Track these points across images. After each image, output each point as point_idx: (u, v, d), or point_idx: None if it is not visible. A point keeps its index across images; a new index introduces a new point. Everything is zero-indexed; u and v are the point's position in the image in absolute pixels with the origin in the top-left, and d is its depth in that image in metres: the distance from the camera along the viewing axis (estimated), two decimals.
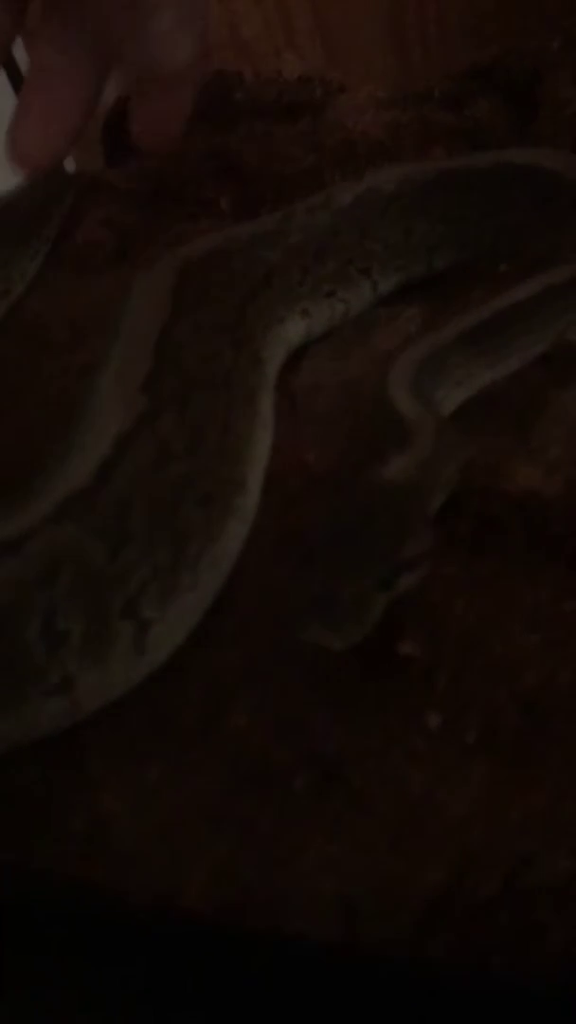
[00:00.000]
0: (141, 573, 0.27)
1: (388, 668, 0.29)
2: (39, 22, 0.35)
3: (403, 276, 0.45)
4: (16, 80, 0.68)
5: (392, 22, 0.64)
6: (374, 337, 0.44)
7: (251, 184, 0.55)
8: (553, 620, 0.29)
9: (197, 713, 0.28)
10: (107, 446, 0.28)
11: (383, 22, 0.63)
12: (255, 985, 0.23)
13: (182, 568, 0.29)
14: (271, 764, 0.27)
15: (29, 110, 0.35)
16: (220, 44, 0.67)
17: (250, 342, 0.38)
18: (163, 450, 0.29)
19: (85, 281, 0.52)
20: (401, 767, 0.27)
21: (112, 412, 0.29)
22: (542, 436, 0.34)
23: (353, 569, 0.27)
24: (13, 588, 0.25)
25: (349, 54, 0.64)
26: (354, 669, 0.28)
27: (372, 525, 0.28)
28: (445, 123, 0.54)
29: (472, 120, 0.54)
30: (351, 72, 0.63)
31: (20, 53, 0.46)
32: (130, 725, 0.28)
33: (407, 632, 0.29)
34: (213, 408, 0.32)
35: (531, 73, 0.55)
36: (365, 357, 0.42)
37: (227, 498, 0.31)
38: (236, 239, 0.42)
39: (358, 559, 0.27)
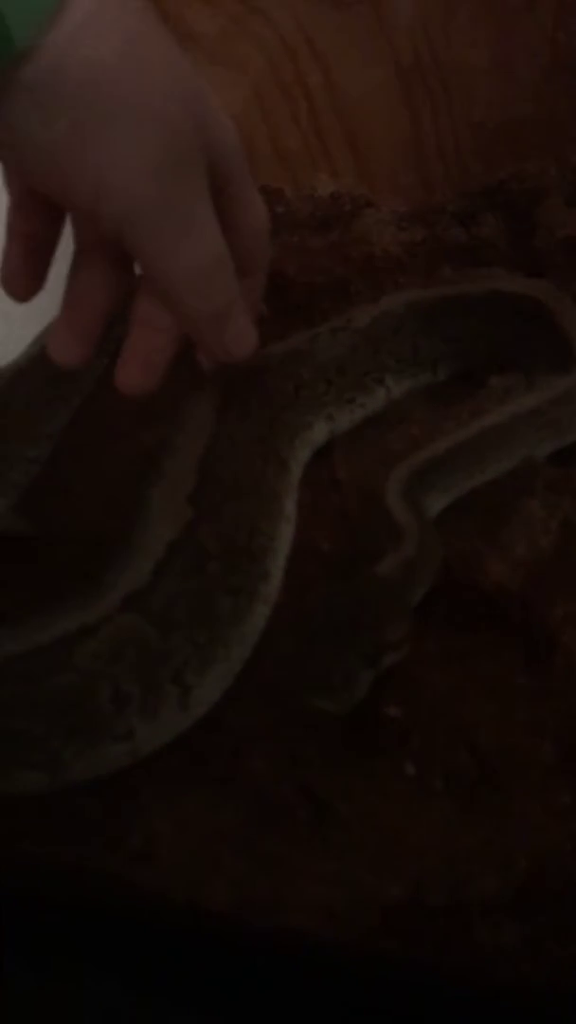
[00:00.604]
0: (185, 650, 0.36)
1: (375, 726, 0.36)
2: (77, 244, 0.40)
3: (412, 384, 0.54)
4: None
5: (414, 141, 0.72)
6: (386, 438, 0.52)
7: (287, 292, 0.64)
8: (507, 692, 0.37)
9: (225, 758, 0.36)
10: (160, 550, 0.36)
11: (406, 140, 0.72)
12: (258, 970, 0.31)
13: (217, 644, 0.37)
14: (280, 799, 0.35)
15: (68, 326, 0.40)
16: (263, 155, 0.77)
17: (278, 451, 0.46)
18: (202, 552, 0.38)
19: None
20: (380, 804, 0.34)
21: (164, 520, 0.38)
22: (510, 537, 0.42)
23: (346, 649, 0.34)
24: (90, 662, 0.34)
25: (377, 168, 0.73)
26: (348, 726, 0.36)
27: (363, 613, 0.36)
28: (454, 240, 0.63)
29: (478, 238, 0.62)
30: (378, 185, 0.72)
31: None
32: (175, 766, 0.36)
33: (391, 697, 0.37)
34: (243, 513, 0.41)
35: (531, 195, 0.63)
36: (376, 457, 0.50)
37: (253, 586, 0.40)
38: (271, 357, 0.51)
39: (350, 641, 0.35)
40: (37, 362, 0.56)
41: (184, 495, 0.39)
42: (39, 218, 0.40)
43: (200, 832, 0.34)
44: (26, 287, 0.41)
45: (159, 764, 0.36)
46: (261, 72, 0.72)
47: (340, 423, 0.52)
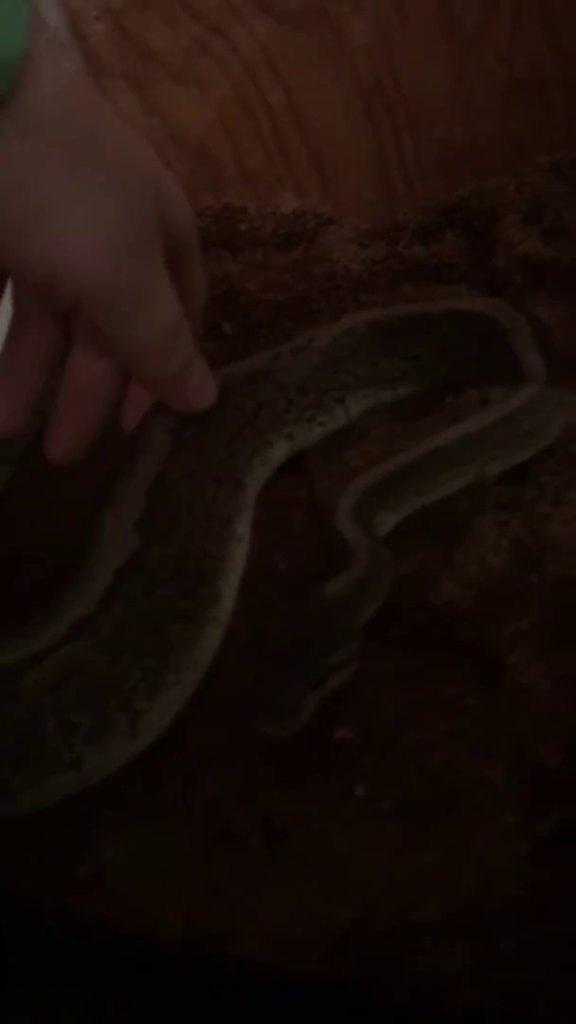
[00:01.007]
0: (134, 676, 0.36)
1: (327, 749, 0.37)
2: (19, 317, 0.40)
3: (372, 402, 0.54)
4: None
5: (376, 159, 0.73)
6: (344, 455, 0.52)
7: (251, 310, 0.64)
8: (459, 712, 0.37)
9: (178, 784, 0.36)
10: (108, 577, 0.36)
11: (368, 158, 0.73)
12: (211, 998, 0.31)
13: (166, 669, 0.37)
14: (233, 826, 0.35)
15: (6, 393, 0.41)
16: (228, 174, 0.77)
17: (233, 472, 0.46)
18: (150, 578, 0.38)
19: None
20: (332, 829, 0.35)
21: (112, 546, 0.38)
22: (463, 556, 0.42)
23: (292, 672, 0.35)
24: (36, 691, 0.34)
25: (340, 186, 0.74)
26: (300, 749, 0.36)
27: (309, 635, 0.36)
28: (415, 258, 0.63)
29: (439, 256, 0.63)
30: (341, 202, 0.72)
31: None
32: (127, 793, 0.36)
33: (343, 719, 0.37)
34: (192, 537, 0.41)
35: (489, 212, 0.64)
36: (336, 474, 0.51)
37: (204, 610, 0.40)
38: (232, 377, 0.51)
39: (296, 664, 0.35)
40: None
41: (132, 521, 0.39)
42: None
43: (152, 860, 0.34)
44: None
45: (111, 791, 0.36)
46: (224, 92, 0.72)
47: (299, 441, 0.52)
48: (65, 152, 0.34)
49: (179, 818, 0.35)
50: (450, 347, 0.53)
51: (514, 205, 0.63)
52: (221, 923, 0.32)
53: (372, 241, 0.66)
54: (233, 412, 0.49)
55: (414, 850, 0.33)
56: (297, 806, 0.35)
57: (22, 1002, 0.33)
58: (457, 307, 0.53)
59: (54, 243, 0.35)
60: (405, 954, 0.30)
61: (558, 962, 0.29)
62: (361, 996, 0.29)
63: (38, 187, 0.34)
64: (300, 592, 0.44)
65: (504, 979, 0.29)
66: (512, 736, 0.35)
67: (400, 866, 0.32)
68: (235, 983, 0.31)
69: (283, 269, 0.67)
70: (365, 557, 0.40)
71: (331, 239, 0.67)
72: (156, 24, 0.70)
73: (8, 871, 0.35)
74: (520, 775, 0.34)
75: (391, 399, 0.55)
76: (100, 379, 0.41)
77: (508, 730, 0.36)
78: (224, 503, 0.44)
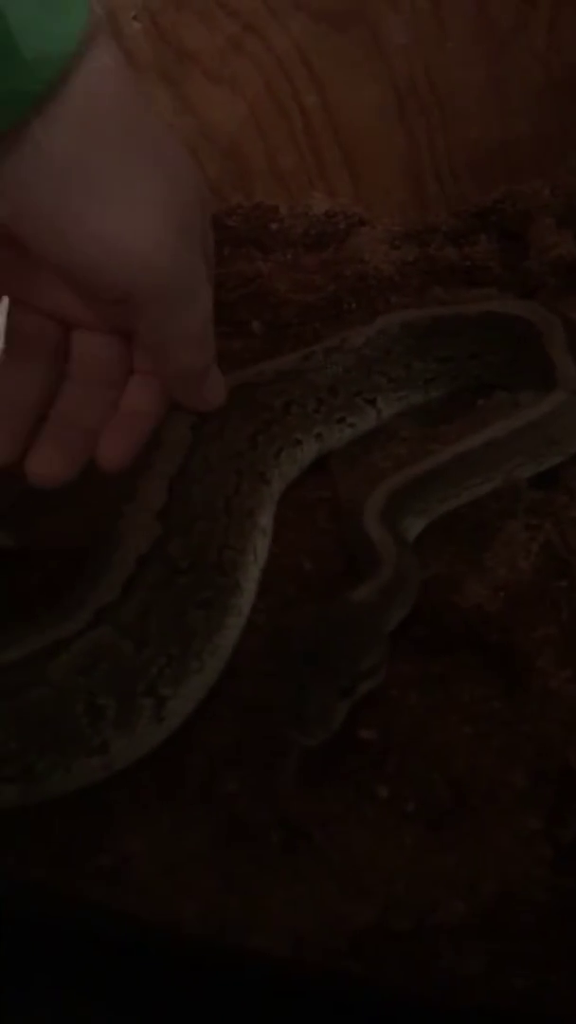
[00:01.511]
0: (158, 662, 0.36)
1: (350, 749, 0.36)
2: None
3: (403, 404, 0.54)
4: None
5: (409, 159, 0.72)
6: (372, 457, 0.52)
7: (280, 309, 0.64)
8: (483, 715, 0.37)
9: (200, 778, 0.36)
10: (131, 565, 0.37)
11: (401, 159, 0.72)
12: (226, 991, 0.31)
13: (190, 656, 0.37)
14: (254, 822, 0.35)
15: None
16: (259, 172, 0.77)
17: (255, 465, 0.47)
18: (172, 567, 0.38)
19: None
20: (353, 829, 0.34)
21: (134, 536, 0.38)
22: (492, 559, 0.42)
23: (321, 680, 0.34)
24: (64, 675, 0.34)
25: (372, 187, 0.74)
26: (323, 750, 0.36)
27: (338, 641, 0.36)
28: (447, 260, 0.63)
29: (471, 258, 0.62)
30: (372, 203, 0.72)
31: None
32: (149, 785, 0.36)
33: (367, 720, 0.37)
34: (213, 528, 0.41)
35: (523, 216, 0.64)
36: (363, 476, 0.51)
37: (225, 599, 0.40)
38: (263, 374, 0.51)
39: (325, 671, 0.35)
40: None
41: (154, 512, 0.40)
42: None
43: (172, 852, 0.34)
44: None
45: (133, 782, 0.36)
46: (258, 91, 0.72)
47: (329, 442, 0.52)
48: (117, 139, 0.34)
49: (199, 813, 0.35)
50: (484, 349, 0.52)
51: (548, 208, 0.63)
52: (239, 917, 0.32)
53: (404, 242, 0.66)
54: (260, 409, 0.49)
55: (435, 852, 0.33)
56: (318, 805, 0.35)
57: (36, 992, 0.33)
58: (491, 309, 0.53)
59: (113, 226, 0.34)
60: (424, 955, 0.30)
61: None
62: (378, 996, 0.29)
63: (96, 171, 0.34)
64: (323, 592, 0.44)
65: (523, 983, 0.29)
66: (537, 740, 0.35)
67: (421, 868, 0.32)
68: (251, 978, 0.31)
69: (313, 269, 0.67)
70: (393, 562, 0.40)
71: (362, 240, 0.67)
72: (192, 22, 0.70)
73: (26, 859, 0.35)
74: (544, 780, 0.34)
75: (422, 401, 0.54)
76: (98, 405, 0.41)
77: (533, 734, 0.36)
78: (246, 496, 0.44)
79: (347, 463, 0.52)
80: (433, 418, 0.53)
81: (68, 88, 0.33)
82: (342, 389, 0.52)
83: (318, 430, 0.52)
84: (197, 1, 0.70)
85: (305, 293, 0.64)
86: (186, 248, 0.37)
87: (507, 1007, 0.28)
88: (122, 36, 0.71)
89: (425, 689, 0.38)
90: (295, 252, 0.69)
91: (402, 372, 0.53)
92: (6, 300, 0.41)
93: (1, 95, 0.31)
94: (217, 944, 0.32)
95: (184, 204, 0.37)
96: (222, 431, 0.46)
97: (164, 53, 0.72)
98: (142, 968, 0.33)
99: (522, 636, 0.39)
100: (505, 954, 0.29)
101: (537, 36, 0.65)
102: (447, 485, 0.44)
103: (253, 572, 0.43)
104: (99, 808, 0.36)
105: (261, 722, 0.37)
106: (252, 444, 0.48)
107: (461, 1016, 0.28)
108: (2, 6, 0.30)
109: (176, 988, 0.32)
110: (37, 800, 0.35)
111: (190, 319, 0.38)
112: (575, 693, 0.36)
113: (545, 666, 0.37)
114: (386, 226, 0.68)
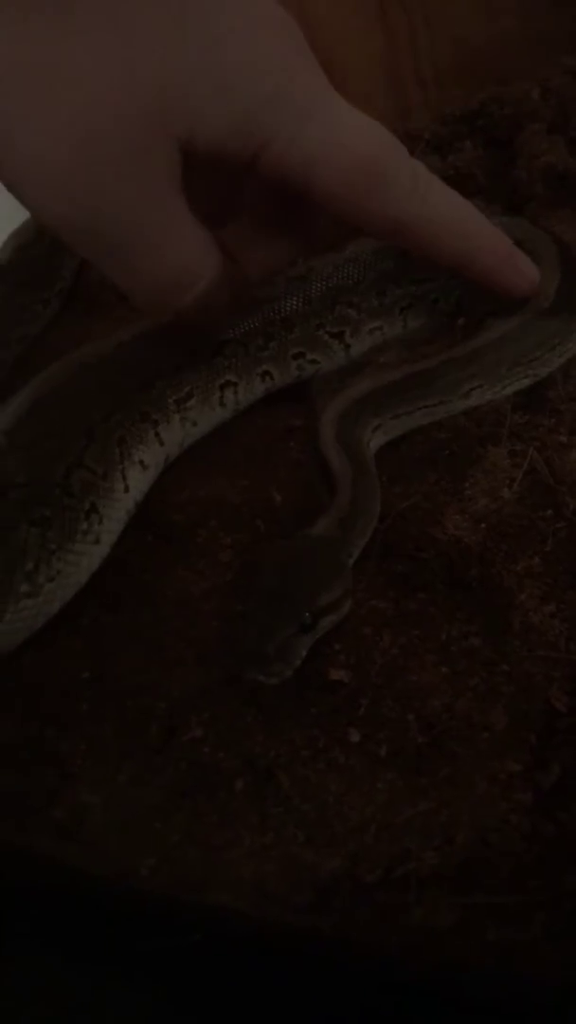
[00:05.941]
0: None
1: (320, 690, 0.34)
2: None
3: (378, 337, 0.50)
4: None
5: (389, 62, 0.67)
6: (345, 383, 0.49)
7: None
8: (460, 654, 0.35)
9: (161, 725, 0.34)
10: None
11: (381, 62, 0.67)
12: (189, 947, 0.29)
13: (18, 578, 0.35)
14: (218, 770, 0.33)
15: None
16: None
17: (139, 405, 0.44)
18: (6, 479, 0.37)
19: (93, 319, 0.58)
20: (323, 774, 0.32)
21: None
22: (473, 488, 0.39)
23: (281, 617, 0.32)
24: None
25: (349, 92, 0.68)
26: (291, 690, 0.34)
27: (297, 577, 0.34)
28: (431, 170, 0.58)
29: (456, 167, 0.58)
30: None
31: None
32: (106, 733, 0.34)
33: (339, 660, 0.35)
34: (65, 449, 0.39)
35: (511, 120, 0.59)
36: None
37: (70, 523, 0.38)
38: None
39: (284, 607, 0.33)
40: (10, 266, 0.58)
41: (2, 429, 0.39)
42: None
43: (130, 804, 0.32)
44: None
45: (88, 732, 0.34)
46: None
47: (284, 379, 0.49)
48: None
49: (160, 762, 0.33)
50: None
51: (538, 112, 0.58)
52: (199, 871, 0.31)
53: None
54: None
55: (409, 799, 0.31)
56: (286, 750, 0.33)
57: None
58: None
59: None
60: (394, 907, 0.28)
61: (557, 921, 0.27)
62: (345, 951, 0.28)
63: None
64: (295, 526, 0.41)
65: (498, 936, 0.27)
66: (518, 679, 0.33)
67: (393, 815, 0.30)
68: (212, 934, 0.30)
69: None
70: (349, 491, 0.37)
71: None
72: None
73: None
74: (525, 721, 0.32)
75: (400, 333, 0.51)
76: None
77: (514, 673, 0.33)
78: (119, 424, 0.42)
79: (327, 392, 0.49)
80: (416, 344, 0.50)
81: None
82: (299, 323, 0.48)
83: (264, 368, 0.48)
84: None
85: None
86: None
87: (481, 962, 0.26)
88: None
89: (400, 628, 0.36)
90: None
91: (375, 301, 0.50)
92: None
93: None
94: (175, 900, 0.30)
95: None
96: (130, 363, 0.44)
97: None
98: (98, 926, 0.31)
99: (503, 570, 0.36)
100: (480, 906, 0.27)
101: None
102: (400, 402, 0.41)
103: (122, 501, 0.41)
104: (52, 760, 0.34)
105: (223, 667, 0.35)
106: (141, 385, 0.44)
107: (432, 972, 0.27)
108: None
109: (137, 945, 0.31)
110: None
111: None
112: (559, 629, 0.34)
113: (527, 601, 0.35)
114: None
